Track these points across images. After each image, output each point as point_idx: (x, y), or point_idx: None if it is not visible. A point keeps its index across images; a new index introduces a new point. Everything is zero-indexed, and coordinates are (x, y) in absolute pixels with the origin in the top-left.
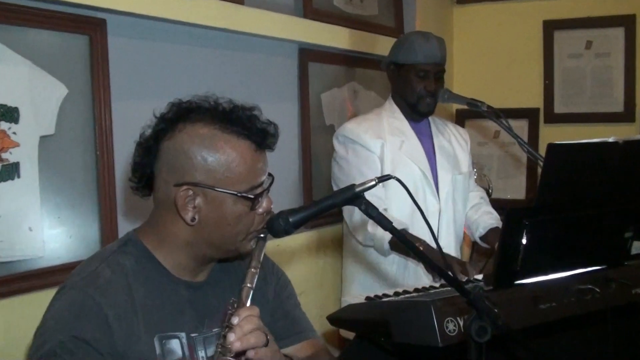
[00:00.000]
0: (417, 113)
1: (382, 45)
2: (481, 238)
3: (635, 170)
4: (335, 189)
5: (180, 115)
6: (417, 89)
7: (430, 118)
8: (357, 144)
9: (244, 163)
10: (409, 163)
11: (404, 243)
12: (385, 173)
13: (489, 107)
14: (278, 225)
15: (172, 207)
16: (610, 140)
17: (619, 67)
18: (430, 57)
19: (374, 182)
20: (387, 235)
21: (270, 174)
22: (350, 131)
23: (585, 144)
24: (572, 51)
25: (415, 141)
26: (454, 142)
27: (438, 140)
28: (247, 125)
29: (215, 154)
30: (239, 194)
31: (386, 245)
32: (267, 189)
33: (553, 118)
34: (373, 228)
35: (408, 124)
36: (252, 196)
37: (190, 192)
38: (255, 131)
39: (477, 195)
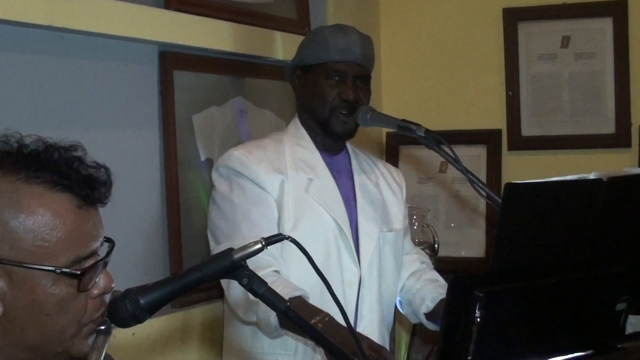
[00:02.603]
0: (328, 134)
1: (280, 45)
2: (428, 316)
3: (626, 218)
4: (212, 243)
5: None
6: (329, 96)
7: (351, 150)
8: (245, 179)
9: (63, 226)
10: (319, 210)
11: (293, 321)
12: (285, 222)
13: (427, 131)
14: (124, 311)
15: None
16: (592, 177)
17: (607, 71)
18: (348, 52)
19: (259, 246)
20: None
21: (108, 239)
22: (236, 161)
23: (556, 182)
24: (544, 50)
25: (328, 180)
26: (383, 187)
27: (361, 181)
28: (64, 172)
29: (19, 216)
30: (58, 270)
31: (274, 321)
32: (104, 260)
33: (520, 143)
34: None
35: (320, 156)
36: (78, 272)
37: None
38: (77, 180)
39: (415, 259)
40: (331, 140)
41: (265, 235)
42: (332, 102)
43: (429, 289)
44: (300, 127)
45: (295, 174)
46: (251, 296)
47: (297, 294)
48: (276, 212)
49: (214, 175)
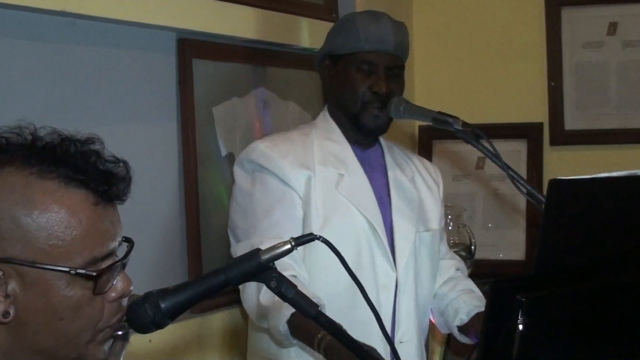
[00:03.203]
0: (359, 129)
1: (306, 32)
2: (461, 329)
3: None
4: (232, 241)
5: None
6: (360, 89)
7: (385, 145)
8: (269, 174)
9: (79, 224)
10: (350, 209)
11: (324, 328)
12: (312, 221)
13: (465, 124)
14: (144, 316)
15: None
16: None
17: None
18: (379, 42)
19: (289, 246)
20: (286, 311)
21: (127, 238)
22: (261, 154)
23: (604, 179)
24: (589, 38)
25: (360, 176)
26: (419, 183)
27: (395, 177)
28: (80, 167)
29: (32, 213)
30: (73, 272)
31: (283, 329)
32: (122, 262)
33: (563, 138)
34: (267, 298)
35: (351, 150)
36: (94, 273)
37: (0, 273)
38: (94, 175)
39: (450, 265)
40: (362, 135)
41: (287, 235)
42: (364, 96)
43: (464, 301)
44: (330, 120)
45: (324, 169)
46: (262, 301)
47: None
48: (301, 211)
49: (236, 169)
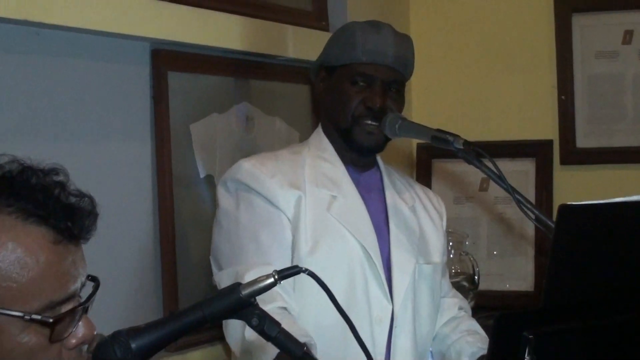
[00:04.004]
0: (351, 147)
1: (293, 42)
2: None
3: None
4: (214, 269)
5: None
6: (352, 103)
7: (383, 168)
8: (255, 195)
9: (36, 264)
10: (343, 233)
11: None
12: (301, 245)
13: (466, 142)
14: (112, 357)
15: None
16: None
17: None
18: (377, 53)
19: (271, 280)
20: (273, 349)
21: (91, 277)
22: (246, 173)
23: (619, 204)
24: (603, 47)
25: (355, 198)
26: (420, 212)
27: (394, 203)
28: (41, 201)
29: None
30: (27, 317)
31: None
32: (85, 305)
33: (574, 156)
34: (253, 333)
35: (345, 171)
36: (51, 320)
37: None
38: (55, 210)
39: (453, 304)
40: (356, 155)
41: (275, 261)
42: (355, 110)
43: (467, 342)
44: (323, 138)
45: (315, 189)
46: (247, 336)
47: (301, 341)
48: (289, 234)
49: (220, 190)
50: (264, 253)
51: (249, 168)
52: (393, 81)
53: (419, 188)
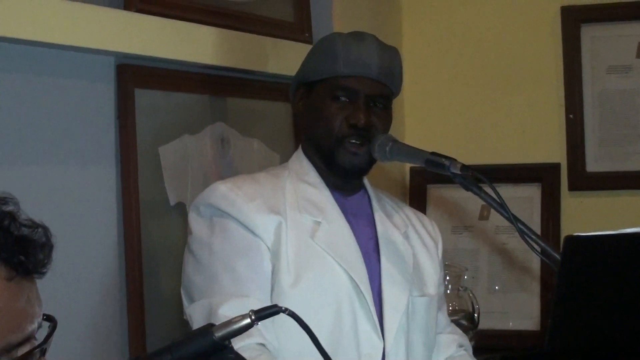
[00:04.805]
0: (333, 170)
1: (273, 55)
2: None
3: None
4: (185, 302)
5: None
6: (334, 121)
7: (372, 192)
8: (231, 220)
9: None
10: (329, 262)
11: None
12: (283, 276)
13: (464, 167)
14: None
15: None
16: None
17: None
18: (360, 64)
19: (248, 321)
20: None
21: (48, 317)
22: (221, 197)
23: (632, 235)
24: (615, 60)
25: (341, 224)
26: (413, 239)
27: (385, 229)
28: None
29: None
30: None
31: None
32: (42, 347)
33: (584, 182)
34: None
35: (330, 195)
36: None
37: None
38: (7, 243)
39: (451, 340)
40: (338, 177)
41: (253, 292)
42: (339, 130)
43: None
44: (304, 160)
45: (297, 215)
46: None
47: None
48: (269, 264)
49: (192, 215)
50: (241, 283)
51: (224, 191)
52: (378, 95)
53: (411, 212)
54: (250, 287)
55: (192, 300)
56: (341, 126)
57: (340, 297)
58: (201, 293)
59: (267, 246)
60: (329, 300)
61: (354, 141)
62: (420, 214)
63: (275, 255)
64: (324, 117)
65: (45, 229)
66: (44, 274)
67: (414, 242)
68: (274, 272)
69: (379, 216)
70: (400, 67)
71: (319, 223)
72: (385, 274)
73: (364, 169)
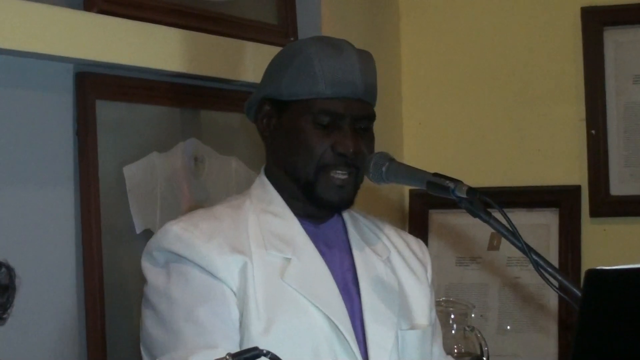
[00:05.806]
0: (314, 203)
1: (253, 62)
2: None
3: None
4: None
5: None
6: (318, 149)
7: (346, 215)
8: (188, 265)
9: None
10: (302, 304)
11: None
12: (252, 323)
13: (470, 190)
14: None
15: None
16: None
17: None
18: (345, 84)
19: None
20: None
21: None
22: (175, 239)
23: None
24: None
25: (314, 258)
26: (398, 266)
27: (364, 257)
28: None
29: None
30: None
31: None
32: None
33: (607, 206)
34: None
35: (299, 225)
36: None
37: None
38: None
39: None
40: (318, 209)
41: (222, 342)
42: (323, 158)
43: None
44: (267, 186)
45: (263, 252)
46: None
47: None
48: (236, 310)
49: (145, 264)
50: (206, 334)
51: (178, 232)
52: (364, 117)
53: (393, 233)
54: (217, 337)
55: (153, 357)
56: (325, 155)
57: (317, 342)
58: (163, 348)
59: (232, 290)
60: (306, 346)
61: (340, 172)
62: (404, 233)
63: (242, 300)
64: (303, 143)
65: (10, 270)
66: (4, 320)
67: (398, 269)
68: (242, 319)
69: (356, 243)
70: (376, 74)
71: (288, 260)
72: (367, 308)
73: (351, 202)
